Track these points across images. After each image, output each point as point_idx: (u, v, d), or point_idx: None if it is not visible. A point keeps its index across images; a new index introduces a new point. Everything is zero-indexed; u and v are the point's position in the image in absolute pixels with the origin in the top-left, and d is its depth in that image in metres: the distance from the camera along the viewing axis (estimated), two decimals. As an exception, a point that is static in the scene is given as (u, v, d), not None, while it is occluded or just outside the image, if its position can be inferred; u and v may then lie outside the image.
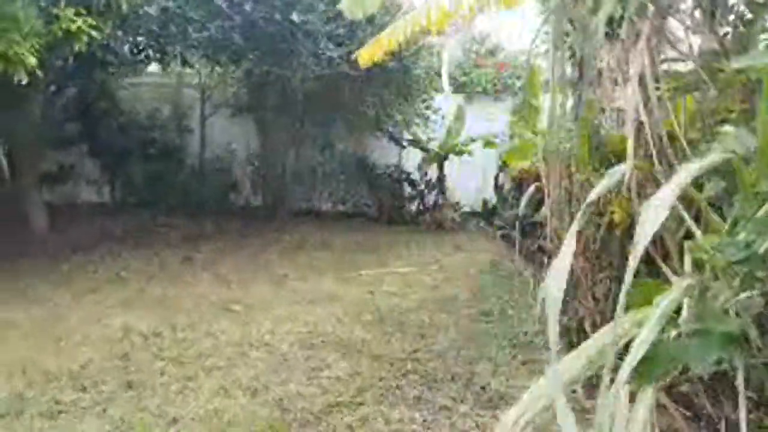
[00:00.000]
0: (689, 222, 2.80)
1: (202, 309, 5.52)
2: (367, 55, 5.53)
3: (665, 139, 3.31)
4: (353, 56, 5.93)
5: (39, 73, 5.37)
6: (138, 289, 6.13)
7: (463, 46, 11.86)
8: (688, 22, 3.55)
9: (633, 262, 1.56)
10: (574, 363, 1.84)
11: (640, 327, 1.81)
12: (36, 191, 8.21)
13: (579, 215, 2.10)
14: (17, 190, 8.86)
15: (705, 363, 1.99)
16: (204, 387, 3.87)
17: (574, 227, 2.00)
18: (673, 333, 2.04)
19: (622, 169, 2.85)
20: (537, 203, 6.04)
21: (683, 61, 3.71)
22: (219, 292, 6.09)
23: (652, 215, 1.64)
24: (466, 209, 10.30)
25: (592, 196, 2.37)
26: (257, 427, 3.37)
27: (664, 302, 1.71)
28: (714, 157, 1.94)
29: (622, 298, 1.60)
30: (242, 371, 4.14)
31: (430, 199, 10.34)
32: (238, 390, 3.84)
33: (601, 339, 1.98)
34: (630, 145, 3.31)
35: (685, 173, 1.83)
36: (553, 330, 1.72)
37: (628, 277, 1.59)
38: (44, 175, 9.01)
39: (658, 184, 3.16)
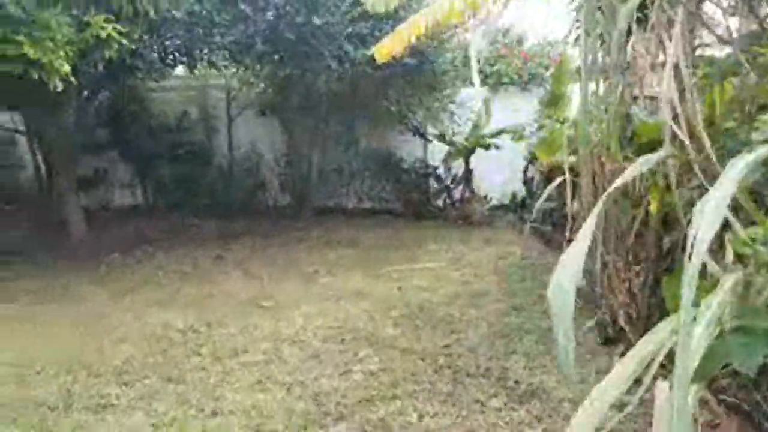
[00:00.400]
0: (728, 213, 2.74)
1: (235, 306, 5.62)
2: (386, 50, 5.46)
3: (700, 127, 3.25)
4: (370, 51, 5.86)
5: (73, 80, 5.50)
6: (173, 288, 6.26)
7: (487, 38, 11.77)
8: (725, 4, 3.47)
9: (692, 269, 1.51)
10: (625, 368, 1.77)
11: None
12: (73, 196, 8.41)
13: (602, 199, 2.05)
14: (54, 194, 9.09)
15: (750, 362, 1.95)
16: (241, 382, 3.95)
17: (596, 210, 1.94)
18: (717, 330, 2.00)
19: (655, 157, 2.80)
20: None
21: (721, 45, 3.63)
22: (250, 290, 6.18)
23: (710, 218, 1.59)
24: (494, 203, 10.23)
25: (620, 180, 2.33)
26: (294, 420, 3.42)
27: (714, 302, 1.66)
28: (764, 150, 1.88)
29: (686, 292, 1.51)
30: (277, 366, 4.20)
31: (457, 193, 10.29)
32: (273, 384, 3.90)
33: (646, 345, 1.91)
34: (667, 132, 3.27)
35: (737, 169, 1.78)
36: (564, 333, 1.58)
37: (688, 285, 1.52)
38: (79, 179, 9.22)
39: (695, 174, 3.13)
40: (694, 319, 1.79)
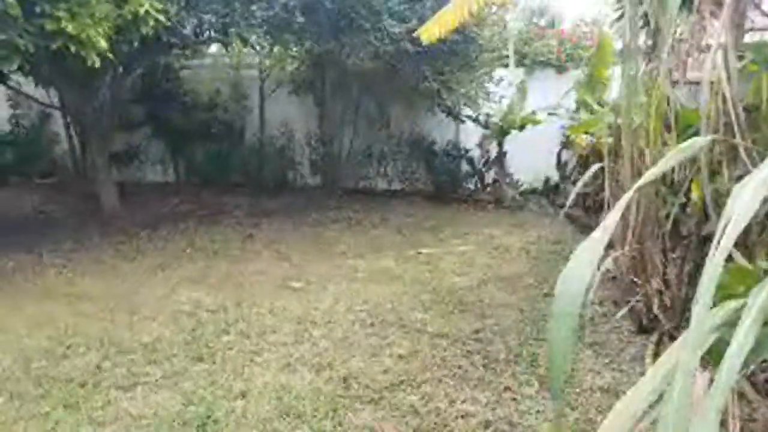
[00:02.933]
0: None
1: (264, 285, 5.63)
2: (430, 31, 5.44)
3: (742, 114, 3.10)
4: (415, 33, 5.84)
5: (111, 56, 5.52)
6: (203, 265, 6.30)
7: (523, 18, 11.52)
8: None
9: (725, 247, 1.42)
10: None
11: (728, 322, 1.66)
12: (106, 171, 8.51)
13: (635, 187, 1.94)
14: (88, 169, 9.23)
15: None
16: (269, 362, 3.96)
17: (626, 197, 1.84)
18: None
19: (698, 143, 2.67)
20: (602, 180, 5.84)
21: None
22: (280, 269, 6.19)
23: (746, 202, 1.49)
24: (526, 187, 10.08)
25: (660, 167, 2.21)
26: (322, 403, 3.41)
27: (762, 293, 1.55)
28: None
29: (704, 289, 1.41)
30: (305, 348, 4.20)
31: (489, 176, 10.16)
32: (302, 366, 3.90)
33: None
34: (703, 118, 3.13)
35: None
36: (566, 331, 1.48)
37: (715, 265, 1.43)
38: (113, 155, 9.33)
39: (740, 162, 2.99)
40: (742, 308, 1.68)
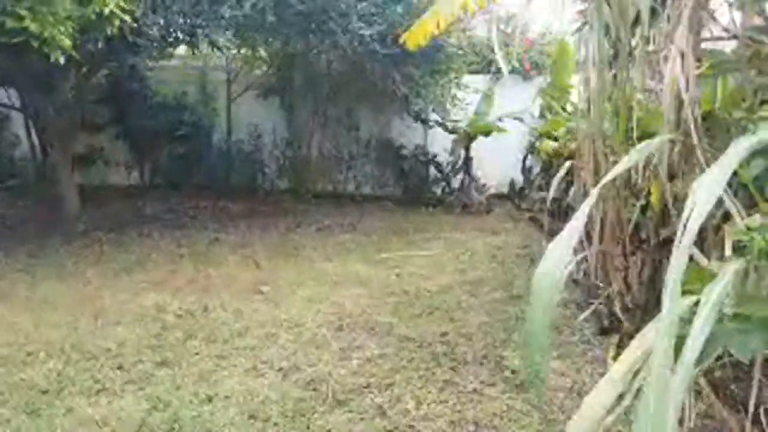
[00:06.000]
0: (729, 203, 2.71)
1: (231, 290, 5.58)
2: (412, 39, 5.54)
3: (699, 118, 3.21)
4: (398, 37, 5.94)
5: (75, 54, 5.42)
6: (169, 269, 6.22)
7: (488, 25, 11.68)
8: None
9: (684, 246, 1.47)
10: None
11: (685, 320, 1.73)
12: (68, 173, 8.34)
13: (595, 190, 2.00)
14: (49, 172, 9.01)
15: (746, 350, 1.94)
16: (236, 367, 3.92)
17: (590, 198, 1.90)
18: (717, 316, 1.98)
19: (653, 143, 2.76)
20: (567, 185, 5.96)
21: (727, 39, 3.58)
22: (247, 274, 6.15)
23: (704, 195, 1.55)
24: (493, 191, 10.21)
25: (618, 168, 2.28)
26: (289, 407, 3.40)
27: (716, 289, 1.62)
28: (765, 134, 1.85)
29: (671, 287, 1.47)
30: (273, 351, 4.18)
31: (456, 181, 10.27)
32: (269, 370, 3.88)
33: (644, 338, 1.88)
34: (666, 122, 3.23)
35: (736, 151, 1.74)
36: (543, 327, 1.56)
37: (678, 265, 1.49)
38: (76, 157, 9.14)
39: (695, 166, 3.10)
40: (697, 304, 1.75)
